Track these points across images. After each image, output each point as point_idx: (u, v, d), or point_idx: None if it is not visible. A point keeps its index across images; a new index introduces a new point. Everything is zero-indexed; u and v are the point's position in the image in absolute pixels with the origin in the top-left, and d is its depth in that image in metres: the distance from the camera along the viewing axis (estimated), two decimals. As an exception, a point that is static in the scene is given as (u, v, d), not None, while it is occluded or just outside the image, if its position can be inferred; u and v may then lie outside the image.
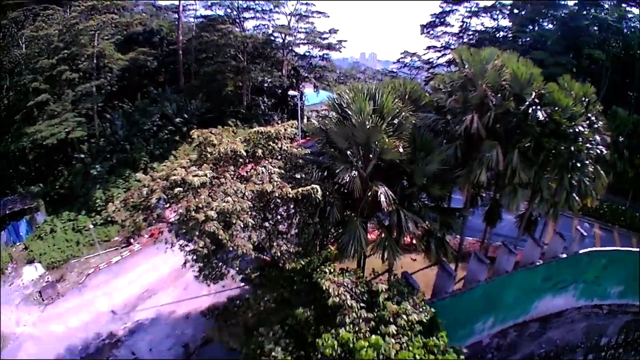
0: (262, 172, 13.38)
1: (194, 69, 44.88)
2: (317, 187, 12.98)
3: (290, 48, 47.03)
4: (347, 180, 13.80)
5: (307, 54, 48.91)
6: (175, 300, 22.90)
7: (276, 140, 14.14)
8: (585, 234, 21.12)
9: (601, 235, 30.19)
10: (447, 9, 50.67)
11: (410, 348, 12.52)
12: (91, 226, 27.54)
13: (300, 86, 42.94)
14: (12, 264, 26.47)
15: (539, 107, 17.33)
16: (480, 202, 20.35)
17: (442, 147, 16.51)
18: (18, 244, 28.28)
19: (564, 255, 20.26)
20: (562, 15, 39.90)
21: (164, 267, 24.70)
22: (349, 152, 15.02)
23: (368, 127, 13.84)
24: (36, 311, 22.79)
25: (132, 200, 13.26)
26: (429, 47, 53.27)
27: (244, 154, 13.54)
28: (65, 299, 23.61)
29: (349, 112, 14.44)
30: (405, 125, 15.04)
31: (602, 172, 19.86)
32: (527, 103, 17.33)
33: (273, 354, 12.84)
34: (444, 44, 52.33)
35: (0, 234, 27.51)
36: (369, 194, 14.49)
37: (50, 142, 28.62)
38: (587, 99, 18.51)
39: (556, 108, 17.23)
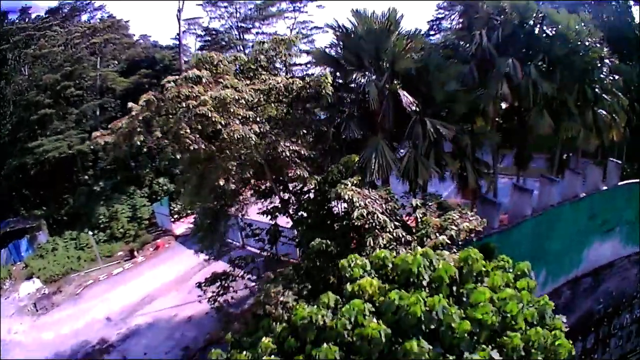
0: (267, 77, 12.17)
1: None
2: (327, 73, 11.58)
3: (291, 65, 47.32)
4: (363, 82, 12.70)
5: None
6: (177, 304, 20.57)
7: (281, 47, 12.96)
8: (619, 162, 19.62)
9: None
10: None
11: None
12: (90, 233, 25.84)
13: None
14: (10, 280, 24.70)
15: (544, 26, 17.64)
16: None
17: (457, 66, 15.64)
18: (18, 262, 26.74)
19: (605, 188, 18.54)
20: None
21: (168, 274, 22.80)
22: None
23: (377, 27, 13.05)
24: (29, 321, 20.71)
25: (120, 124, 11.75)
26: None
27: (245, 59, 12.45)
28: (60, 309, 21.47)
29: (355, 24, 13.78)
30: (417, 36, 14.26)
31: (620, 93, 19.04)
32: (531, 22, 17.51)
33: (282, 298, 9.62)
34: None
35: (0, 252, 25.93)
36: (388, 106, 13.31)
37: (53, 156, 27.91)
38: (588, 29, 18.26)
39: (560, 26, 17.19)
